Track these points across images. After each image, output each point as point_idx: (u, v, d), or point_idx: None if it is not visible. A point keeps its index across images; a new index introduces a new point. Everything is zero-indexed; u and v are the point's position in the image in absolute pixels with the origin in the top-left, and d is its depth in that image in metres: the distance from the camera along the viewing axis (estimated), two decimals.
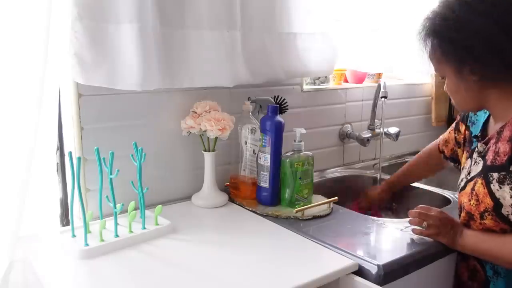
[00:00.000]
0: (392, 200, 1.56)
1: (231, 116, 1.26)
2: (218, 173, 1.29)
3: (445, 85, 1.08)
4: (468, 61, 0.97)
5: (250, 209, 1.24)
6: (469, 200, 1.02)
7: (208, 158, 1.25)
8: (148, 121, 1.23)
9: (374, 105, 1.70)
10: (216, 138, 1.22)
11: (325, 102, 1.64)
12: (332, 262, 0.95)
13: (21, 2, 1.01)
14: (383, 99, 1.57)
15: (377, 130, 1.71)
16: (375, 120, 1.71)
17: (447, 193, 1.41)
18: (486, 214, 0.98)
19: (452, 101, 1.10)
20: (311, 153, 1.26)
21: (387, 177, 1.60)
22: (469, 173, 1.07)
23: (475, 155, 1.07)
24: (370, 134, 1.69)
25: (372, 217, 1.23)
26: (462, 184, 1.08)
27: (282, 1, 1.33)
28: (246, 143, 1.29)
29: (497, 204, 0.96)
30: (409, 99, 1.94)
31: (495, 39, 0.94)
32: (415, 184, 1.52)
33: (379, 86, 1.67)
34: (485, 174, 1.00)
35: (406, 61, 1.76)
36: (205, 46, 1.19)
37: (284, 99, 1.36)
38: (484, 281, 1.05)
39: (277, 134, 1.23)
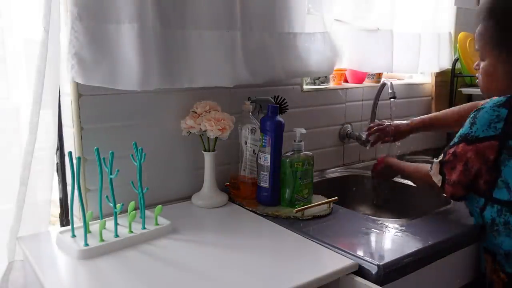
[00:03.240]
0: (393, 199, 1.56)
1: (231, 116, 1.26)
2: (218, 173, 1.29)
3: (476, 65, 1.19)
4: None
5: (250, 209, 1.24)
6: None
7: (208, 158, 1.25)
8: (148, 121, 1.23)
9: (375, 105, 1.70)
10: (216, 138, 1.22)
11: (325, 102, 1.64)
12: (332, 262, 0.95)
13: (21, 2, 1.01)
14: (392, 99, 1.58)
15: None
16: (375, 120, 1.71)
17: None
18: None
19: (480, 82, 1.20)
20: (311, 153, 1.26)
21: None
22: None
23: None
24: None
25: (372, 217, 1.23)
26: None
27: (282, 1, 1.33)
28: (246, 143, 1.29)
29: None
30: (409, 99, 1.94)
31: None
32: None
33: (382, 85, 1.67)
34: None
35: (406, 61, 1.76)
36: (205, 46, 1.19)
37: (284, 99, 1.36)
38: None
39: (277, 134, 1.23)
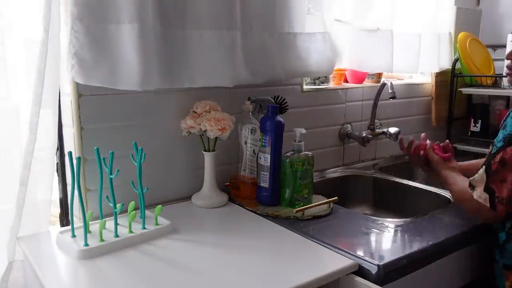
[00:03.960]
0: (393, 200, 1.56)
1: (231, 116, 1.26)
2: (218, 173, 1.29)
3: None
4: None
5: (250, 209, 1.24)
6: None
7: (208, 158, 1.25)
8: (148, 121, 1.23)
9: (375, 105, 1.70)
10: (216, 138, 1.22)
11: (325, 102, 1.64)
12: (332, 262, 0.95)
13: (21, 2, 1.01)
14: (391, 99, 1.57)
15: (377, 130, 1.71)
16: (375, 120, 1.71)
17: (447, 193, 1.41)
18: None
19: None
20: (311, 153, 1.26)
21: (386, 177, 1.61)
22: None
23: None
24: (371, 135, 1.69)
25: (372, 217, 1.23)
26: None
27: (282, 1, 1.33)
28: (246, 143, 1.29)
29: None
30: (409, 99, 1.94)
31: None
32: (415, 184, 1.52)
33: (382, 85, 1.67)
34: None
35: (406, 61, 1.76)
36: (205, 46, 1.19)
37: (284, 99, 1.36)
38: None
39: (277, 134, 1.23)
